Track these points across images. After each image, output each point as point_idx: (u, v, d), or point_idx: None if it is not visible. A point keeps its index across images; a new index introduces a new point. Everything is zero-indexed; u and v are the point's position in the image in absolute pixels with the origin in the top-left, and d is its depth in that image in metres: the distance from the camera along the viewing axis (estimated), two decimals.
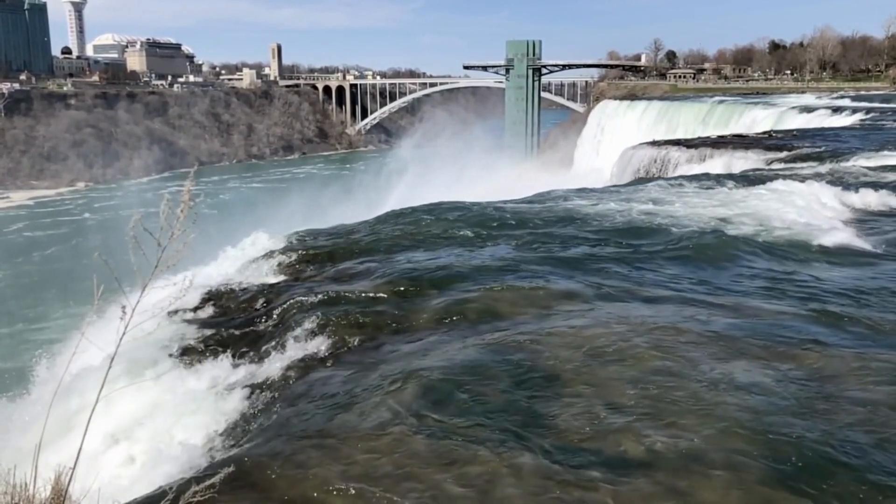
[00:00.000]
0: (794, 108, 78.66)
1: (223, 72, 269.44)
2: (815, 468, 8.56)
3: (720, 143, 49.93)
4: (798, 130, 58.17)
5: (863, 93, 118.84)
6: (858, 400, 10.20)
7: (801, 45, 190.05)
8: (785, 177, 30.78)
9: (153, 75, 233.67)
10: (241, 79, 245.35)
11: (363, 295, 16.40)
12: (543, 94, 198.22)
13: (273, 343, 14.57)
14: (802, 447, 8.93)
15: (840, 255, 19.11)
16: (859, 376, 10.99)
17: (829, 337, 12.77)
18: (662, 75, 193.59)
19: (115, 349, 5.40)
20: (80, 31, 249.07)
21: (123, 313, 5.26)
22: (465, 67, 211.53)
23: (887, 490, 8.16)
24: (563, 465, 8.72)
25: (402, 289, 16.67)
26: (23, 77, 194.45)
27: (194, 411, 12.35)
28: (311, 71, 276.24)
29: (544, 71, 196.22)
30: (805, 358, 11.73)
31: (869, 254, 19.44)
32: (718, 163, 42.76)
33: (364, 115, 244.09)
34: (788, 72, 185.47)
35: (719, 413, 9.72)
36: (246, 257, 21.19)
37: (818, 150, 42.11)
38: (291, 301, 16.36)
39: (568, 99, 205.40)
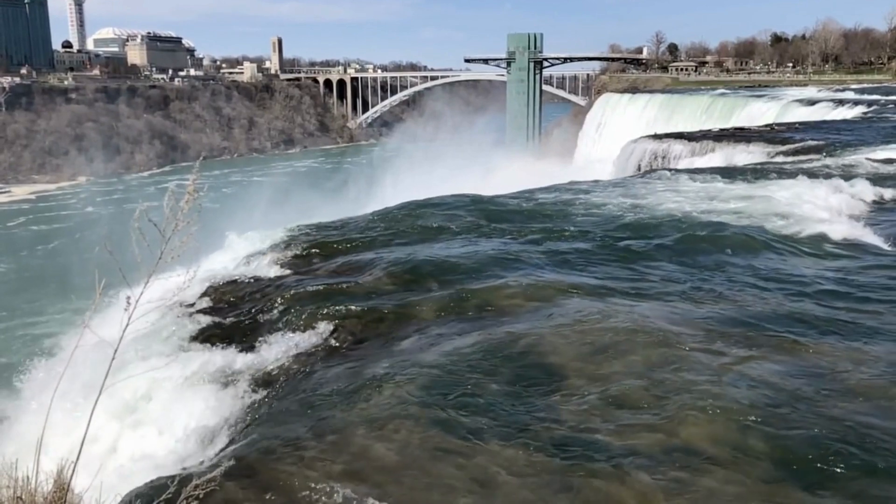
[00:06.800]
0: (796, 100, 78.42)
1: (224, 65, 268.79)
2: (816, 462, 8.55)
3: (722, 136, 49.78)
4: (800, 123, 57.95)
5: (865, 85, 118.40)
6: (861, 393, 10.19)
7: (804, 37, 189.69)
8: (787, 170, 30.72)
9: (154, 69, 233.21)
10: (242, 72, 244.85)
11: (365, 288, 16.40)
12: (545, 88, 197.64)
13: (274, 335, 14.58)
14: (804, 440, 8.93)
15: (842, 249, 19.06)
16: (863, 370, 10.97)
17: (832, 330, 12.75)
18: (664, 68, 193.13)
19: (119, 340, 5.40)
20: (81, 24, 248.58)
21: (128, 304, 5.27)
22: (467, 61, 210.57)
23: (888, 484, 8.16)
24: (565, 458, 8.72)
25: (403, 282, 16.66)
26: (24, 71, 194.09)
27: (195, 404, 12.36)
28: (312, 64, 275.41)
29: (546, 64, 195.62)
30: (809, 351, 11.72)
31: (872, 247, 19.39)
32: (720, 156, 42.63)
33: (365, 109, 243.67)
34: (790, 64, 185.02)
35: (721, 407, 9.71)
36: (247, 250, 21.16)
37: (820, 143, 41.96)
38: (293, 294, 16.36)
39: (569, 92, 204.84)
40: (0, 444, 13.65)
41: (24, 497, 5.44)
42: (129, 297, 5.29)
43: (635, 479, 8.24)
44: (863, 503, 7.96)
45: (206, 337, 15.32)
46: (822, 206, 23.54)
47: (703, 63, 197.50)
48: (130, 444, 12.12)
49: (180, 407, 12.39)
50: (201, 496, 5.77)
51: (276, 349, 13.98)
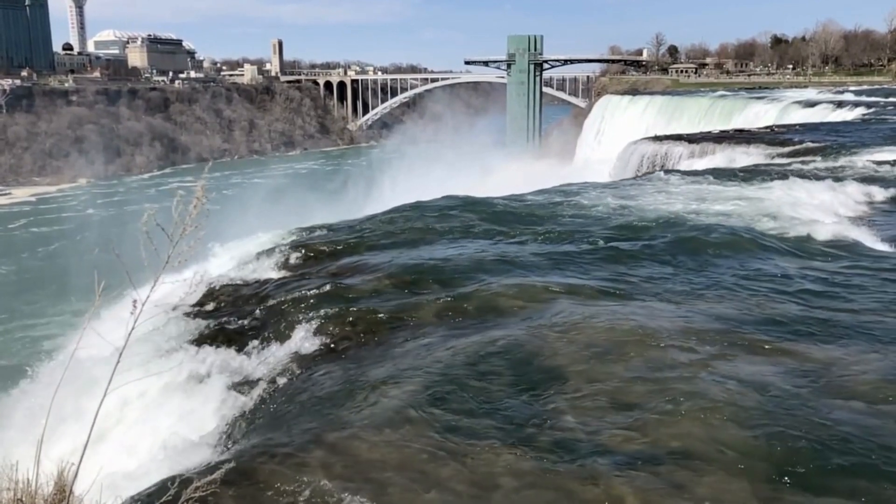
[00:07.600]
0: (796, 102, 78.41)
1: (224, 67, 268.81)
2: (813, 462, 8.58)
3: (722, 138, 49.79)
4: (800, 125, 57.96)
5: (865, 87, 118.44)
6: (857, 393, 10.21)
7: (804, 39, 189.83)
8: (786, 172, 30.73)
9: (154, 71, 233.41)
10: (243, 74, 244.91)
11: (365, 290, 16.41)
12: (545, 90, 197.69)
13: (275, 338, 14.60)
14: (801, 441, 8.95)
15: (834, 249, 19.06)
16: (860, 370, 11.00)
17: (829, 331, 12.77)
18: (664, 70, 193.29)
19: (125, 343, 5.40)
20: (82, 27, 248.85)
21: (134, 307, 5.27)
22: (467, 63, 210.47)
23: (884, 483, 8.19)
24: (564, 460, 8.74)
25: (402, 284, 16.67)
26: (24, 73, 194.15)
27: (196, 406, 12.37)
28: (313, 66, 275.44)
29: (546, 66, 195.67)
30: (806, 353, 11.75)
31: (863, 247, 19.40)
32: (720, 158, 42.62)
33: (365, 111, 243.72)
34: (790, 66, 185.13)
35: (719, 408, 9.73)
36: (235, 258, 21.05)
37: (820, 144, 41.99)
38: (293, 296, 16.37)
39: (569, 94, 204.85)
40: None
41: (24, 499, 5.45)
42: (135, 301, 5.30)
43: (634, 480, 8.25)
44: (838, 500, 7.99)
45: (207, 340, 15.33)
46: (820, 207, 23.56)
47: (703, 65, 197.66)
48: (130, 447, 12.11)
49: (180, 409, 12.39)
50: (201, 499, 5.79)
51: (276, 352, 14.00)
